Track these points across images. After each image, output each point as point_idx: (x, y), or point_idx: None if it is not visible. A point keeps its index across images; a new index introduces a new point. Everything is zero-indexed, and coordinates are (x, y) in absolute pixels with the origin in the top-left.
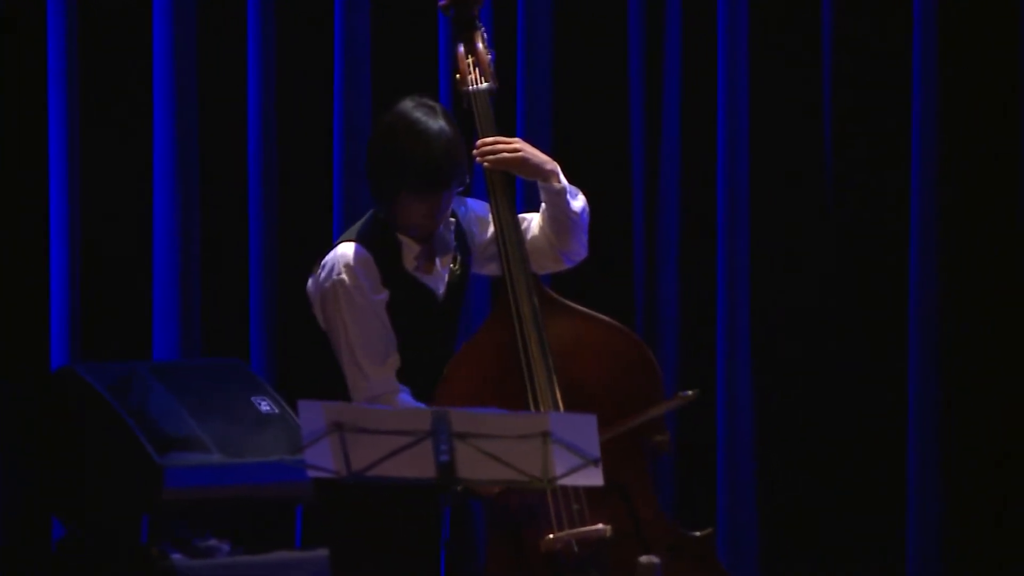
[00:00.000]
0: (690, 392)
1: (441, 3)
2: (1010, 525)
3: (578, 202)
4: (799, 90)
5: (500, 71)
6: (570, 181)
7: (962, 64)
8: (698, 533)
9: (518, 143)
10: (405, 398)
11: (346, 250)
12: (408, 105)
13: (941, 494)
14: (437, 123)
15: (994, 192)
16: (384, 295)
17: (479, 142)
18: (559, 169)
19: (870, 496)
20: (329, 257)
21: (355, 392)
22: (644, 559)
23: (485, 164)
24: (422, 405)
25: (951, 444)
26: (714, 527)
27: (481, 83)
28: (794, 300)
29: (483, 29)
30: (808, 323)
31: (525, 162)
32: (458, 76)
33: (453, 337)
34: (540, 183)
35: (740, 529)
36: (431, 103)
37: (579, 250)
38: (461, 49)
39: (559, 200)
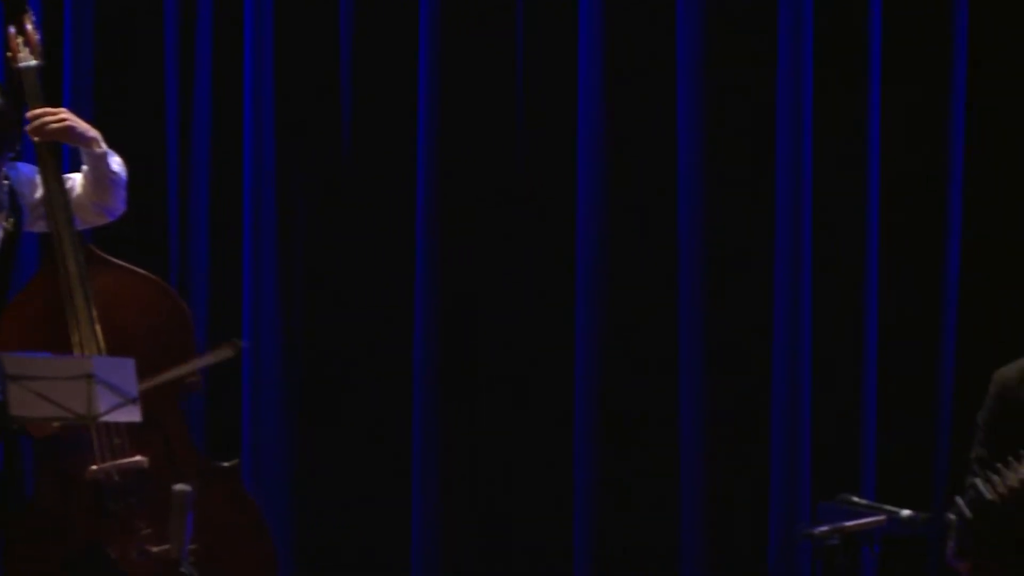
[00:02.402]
0: (230, 346)
1: None
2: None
3: (116, 163)
4: (319, 64)
5: (48, 50)
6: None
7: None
8: (226, 464)
9: (64, 113)
10: None
11: None
12: None
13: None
14: None
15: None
16: None
17: (29, 114)
18: (100, 136)
19: (382, 433)
20: None
21: None
22: (177, 487)
23: (36, 139)
24: None
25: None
26: (240, 458)
27: (30, 60)
28: (320, 249)
29: (31, 13)
30: (335, 278)
31: (71, 130)
32: (9, 54)
33: (5, 289)
34: (83, 148)
35: (264, 460)
36: None
37: (118, 205)
38: (12, 30)
39: (100, 163)
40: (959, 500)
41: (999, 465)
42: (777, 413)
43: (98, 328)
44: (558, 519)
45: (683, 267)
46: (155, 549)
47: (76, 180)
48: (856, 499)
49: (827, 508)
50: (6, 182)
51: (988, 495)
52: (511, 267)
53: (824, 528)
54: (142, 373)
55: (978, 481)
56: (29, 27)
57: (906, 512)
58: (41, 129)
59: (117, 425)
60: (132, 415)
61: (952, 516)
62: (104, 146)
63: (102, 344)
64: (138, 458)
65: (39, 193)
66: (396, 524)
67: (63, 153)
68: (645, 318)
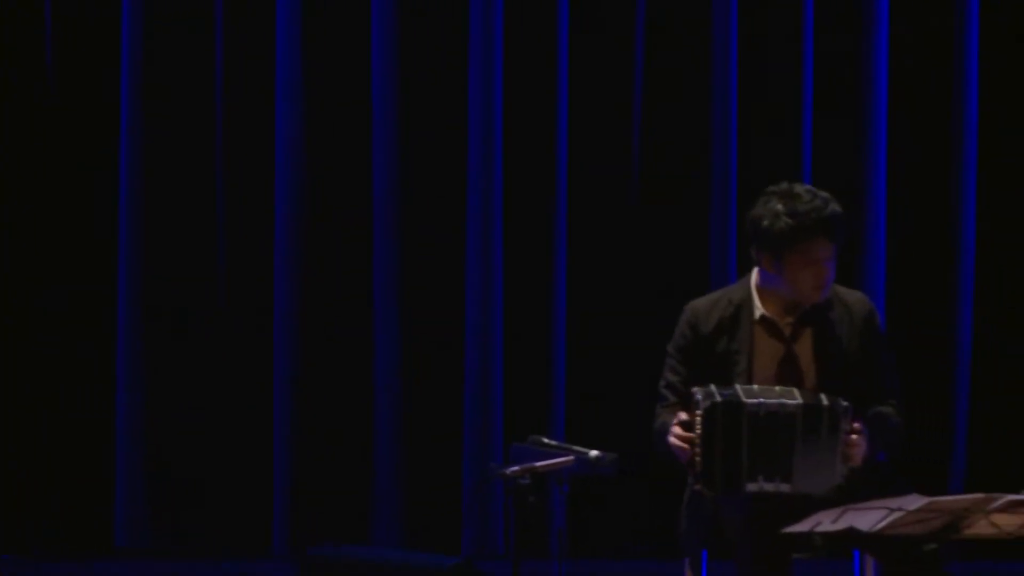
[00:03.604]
0: None
1: None
2: None
3: None
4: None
5: None
6: None
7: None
8: None
9: None
10: None
11: None
12: None
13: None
14: None
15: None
16: None
17: None
18: None
19: (88, 375)
20: None
21: None
22: None
23: None
24: None
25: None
26: None
27: None
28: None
29: None
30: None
31: None
32: None
33: None
34: None
35: None
36: None
37: None
38: None
39: None
40: (713, 387)
41: (776, 388)
42: (471, 357)
43: None
44: (258, 464)
45: (377, 190)
46: None
47: None
48: (546, 440)
49: (519, 449)
50: None
51: (744, 398)
52: (211, 255)
53: (515, 468)
54: None
55: (738, 386)
56: None
57: (593, 452)
58: None
59: None
60: None
61: (699, 395)
62: None
63: None
64: None
65: None
66: (97, 465)
67: None
68: (342, 266)
